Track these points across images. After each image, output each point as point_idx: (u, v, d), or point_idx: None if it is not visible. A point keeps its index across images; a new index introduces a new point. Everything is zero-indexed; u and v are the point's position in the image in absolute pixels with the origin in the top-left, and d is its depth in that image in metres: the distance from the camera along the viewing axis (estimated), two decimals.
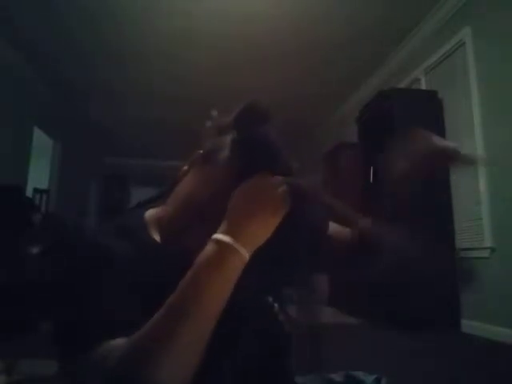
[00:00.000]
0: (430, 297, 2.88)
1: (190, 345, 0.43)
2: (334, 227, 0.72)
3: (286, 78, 4.53)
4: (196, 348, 0.43)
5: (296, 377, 0.70)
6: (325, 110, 5.49)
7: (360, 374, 0.74)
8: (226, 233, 0.47)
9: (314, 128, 5.92)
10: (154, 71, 4.50)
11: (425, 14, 3.40)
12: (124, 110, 5.67)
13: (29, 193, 4.52)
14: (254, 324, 0.60)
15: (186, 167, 0.63)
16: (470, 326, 2.80)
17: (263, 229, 0.49)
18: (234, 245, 0.46)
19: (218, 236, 0.47)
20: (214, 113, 5.01)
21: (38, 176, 5.09)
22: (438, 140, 0.62)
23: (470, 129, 2.95)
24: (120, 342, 0.43)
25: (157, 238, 0.60)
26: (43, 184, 5.14)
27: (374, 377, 0.73)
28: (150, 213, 0.65)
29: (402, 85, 3.84)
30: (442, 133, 3.24)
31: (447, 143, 0.62)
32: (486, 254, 2.72)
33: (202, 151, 0.61)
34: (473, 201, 2.91)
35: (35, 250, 2.86)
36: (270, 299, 0.65)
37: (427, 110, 3.26)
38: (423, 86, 3.58)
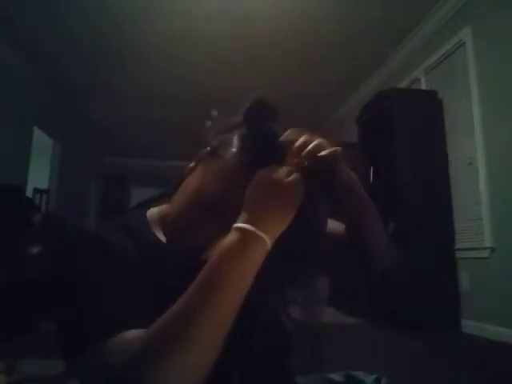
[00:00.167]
0: (430, 297, 2.89)
1: (210, 337, 0.42)
2: (330, 223, 0.71)
3: (285, 78, 4.53)
4: (215, 341, 0.42)
5: (296, 377, 0.70)
6: (325, 110, 5.49)
7: (360, 374, 0.74)
8: (246, 222, 0.47)
9: (314, 128, 5.90)
10: (154, 71, 4.50)
11: (425, 14, 3.40)
12: (124, 110, 5.67)
13: (29, 193, 4.51)
14: (259, 323, 0.60)
15: (192, 164, 0.62)
16: (470, 325, 2.80)
17: (283, 216, 0.50)
18: (257, 232, 0.47)
19: (240, 224, 0.47)
20: (214, 113, 5.02)
21: (38, 176, 5.09)
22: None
23: (469, 129, 2.95)
24: (135, 333, 0.42)
25: (160, 237, 0.60)
26: (43, 184, 5.14)
27: (374, 377, 0.73)
28: (151, 212, 0.65)
29: (402, 85, 3.84)
30: (442, 133, 3.24)
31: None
32: (486, 253, 2.72)
33: (208, 148, 0.61)
34: (473, 201, 2.91)
35: (35, 249, 2.86)
36: (273, 299, 0.65)
37: (427, 110, 3.26)
38: (423, 86, 3.58)
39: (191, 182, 0.59)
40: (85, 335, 0.44)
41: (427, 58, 3.52)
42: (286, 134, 0.57)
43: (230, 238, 0.47)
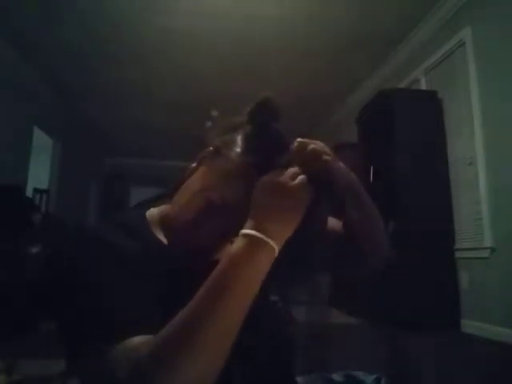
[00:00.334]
0: (430, 297, 2.89)
1: (217, 344, 0.42)
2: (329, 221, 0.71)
3: (285, 79, 4.53)
4: (222, 348, 0.42)
5: (296, 377, 0.70)
6: (324, 110, 5.49)
7: (360, 374, 0.74)
8: (254, 228, 0.47)
9: (314, 128, 5.92)
10: (152, 73, 4.50)
11: (425, 14, 3.40)
12: (123, 112, 5.66)
13: (29, 193, 4.52)
14: (263, 324, 0.60)
15: (194, 164, 0.62)
16: (470, 325, 2.80)
17: (290, 221, 0.49)
18: (265, 238, 0.46)
19: (248, 231, 0.47)
20: (214, 113, 5.01)
21: (38, 176, 5.09)
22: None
23: (469, 129, 2.95)
24: (140, 340, 0.42)
25: (160, 237, 0.60)
26: (43, 184, 5.14)
27: (374, 377, 0.73)
28: (151, 212, 0.64)
29: (402, 85, 3.84)
30: (442, 133, 3.24)
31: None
32: (486, 254, 2.72)
33: (211, 148, 0.60)
34: (473, 201, 2.91)
35: (35, 249, 2.86)
36: (275, 299, 0.65)
37: (427, 109, 3.26)
38: (423, 86, 3.58)
39: (193, 183, 0.59)
40: (85, 336, 0.44)
41: (427, 58, 3.52)
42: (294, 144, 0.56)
43: (238, 244, 0.46)
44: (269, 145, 0.56)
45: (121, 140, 6.95)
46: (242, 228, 0.49)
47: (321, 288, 4.25)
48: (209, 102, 4.89)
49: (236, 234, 0.49)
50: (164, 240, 0.60)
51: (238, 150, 0.56)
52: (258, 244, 0.46)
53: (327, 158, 0.54)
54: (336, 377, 0.74)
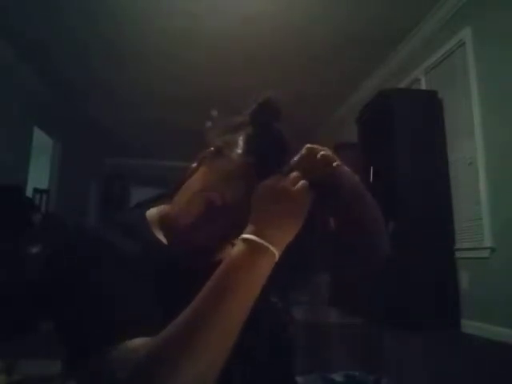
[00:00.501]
0: (430, 297, 2.89)
1: (217, 346, 0.42)
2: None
3: (285, 78, 4.53)
4: (221, 353, 0.42)
5: (296, 377, 0.70)
6: (325, 110, 5.49)
7: (360, 374, 0.74)
8: (254, 233, 0.47)
9: (314, 128, 5.92)
10: (154, 71, 4.50)
11: (425, 14, 3.40)
12: (124, 110, 5.67)
13: (29, 193, 4.52)
14: (263, 325, 0.60)
15: (194, 164, 0.62)
16: (470, 325, 2.80)
17: (291, 226, 0.49)
18: (265, 244, 0.46)
19: (248, 236, 0.47)
20: (214, 113, 5.01)
21: (38, 176, 5.09)
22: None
23: (469, 129, 2.95)
24: (139, 342, 0.42)
25: (160, 237, 0.60)
26: (43, 184, 5.14)
27: (374, 377, 0.73)
28: (151, 212, 0.64)
29: (402, 85, 3.84)
30: (442, 133, 3.24)
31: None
32: (486, 253, 2.72)
33: (212, 148, 0.60)
34: (473, 201, 2.91)
35: (35, 249, 2.86)
36: (275, 300, 0.65)
37: (427, 109, 3.26)
38: (423, 86, 3.58)
39: (194, 183, 0.58)
40: (85, 336, 0.44)
41: (427, 58, 3.52)
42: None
43: (238, 249, 0.46)
44: (270, 146, 0.55)
45: (121, 139, 6.95)
46: (242, 229, 0.49)
47: (321, 288, 4.25)
48: (209, 97, 4.90)
49: (236, 235, 0.49)
50: (164, 240, 0.59)
51: (240, 150, 0.56)
52: (258, 249, 0.46)
53: (337, 164, 0.54)
54: (336, 377, 0.74)
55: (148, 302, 0.48)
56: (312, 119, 5.71)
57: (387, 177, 3.16)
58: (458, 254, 3.03)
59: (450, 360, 2.14)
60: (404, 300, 2.86)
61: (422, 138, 3.18)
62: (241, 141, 0.57)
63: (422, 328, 2.72)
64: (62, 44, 3.95)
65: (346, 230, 0.68)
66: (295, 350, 0.67)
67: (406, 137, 3.14)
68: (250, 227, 0.48)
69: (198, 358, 0.40)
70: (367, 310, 3.29)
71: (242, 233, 0.49)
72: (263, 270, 0.46)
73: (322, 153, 0.54)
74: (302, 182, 0.50)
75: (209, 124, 0.68)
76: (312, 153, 0.54)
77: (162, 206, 0.65)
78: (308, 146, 0.54)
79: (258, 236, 0.46)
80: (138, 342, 0.42)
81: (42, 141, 5.06)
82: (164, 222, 0.61)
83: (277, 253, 0.47)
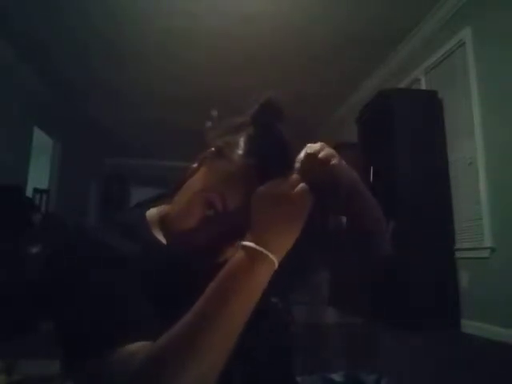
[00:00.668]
0: (430, 297, 2.89)
1: (217, 351, 0.42)
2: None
3: (285, 78, 4.53)
4: (222, 354, 0.42)
5: (296, 377, 0.70)
6: (325, 109, 5.49)
7: (360, 374, 0.74)
8: (254, 241, 0.47)
9: (314, 128, 5.92)
10: (154, 71, 4.50)
11: (425, 14, 3.40)
12: (124, 110, 5.67)
13: (29, 193, 4.52)
14: (263, 325, 0.60)
15: (195, 165, 0.61)
16: (470, 325, 2.80)
17: (290, 232, 0.49)
18: (265, 252, 0.46)
19: (248, 243, 0.47)
20: (214, 113, 5.01)
21: (38, 176, 5.09)
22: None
23: (469, 129, 2.95)
24: (139, 345, 0.42)
25: (160, 238, 0.59)
26: (43, 184, 5.14)
27: (374, 377, 0.73)
28: (151, 212, 0.64)
29: (402, 85, 3.84)
30: (442, 133, 3.24)
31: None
32: (486, 254, 2.72)
33: (213, 149, 0.60)
34: (473, 201, 2.91)
35: (35, 249, 2.86)
36: (276, 300, 0.65)
37: (427, 109, 3.26)
38: (423, 86, 3.58)
39: (194, 183, 0.58)
40: (84, 336, 0.44)
41: (427, 58, 3.52)
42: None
43: (237, 257, 0.47)
44: (272, 147, 0.55)
45: (121, 139, 6.95)
46: (242, 230, 0.49)
47: (320, 288, 4.25)
48: (209, 97, 4.90)
49: (237, 236, 0.49)
50: (163, 240, 0.59)
51: (241, 151, 0.55)
52: (257, 257, 0.46)
53: (335, 162, 0.54)
54: (336, 377, 0.74)
55: (147, 301, 0.48)
56: (312, 119, 5.71)
57: (387, 177, 3.16)
58: (458, 254, 3.03)
59: (450, 360, 2.14)
60: (404, 300, 2.86)
61: (422, 138, 3.18)
62: (242, 141, 0.56)
63: (422, 328, 2.72)
64: (62, 44, 3.95)
65: (345, 226, 0.67)
66: (295, 349, 0.67)
67: (406, 137, 3.14)
68: (249, 234, 0.48)
69: (201, 358, 0.41)
70: (367, 310, 3.29)
71: (242, 234, 0.49)
72: (263, 277, 0.46)
73: (322, 155, 0.53)
74: (301, 185, 0.50)
75: (209, 124, 0.68)
76: (311, 154, 0.53)
77: (162, 206, 0.65)
78: (308, 151, 0.54)
79: (257, 243, 0.46)
80: (137, 345, 0.42)
81: (42, 141, 5.06)
82: (164, 222, 0.61)
83: (276, 260, 0.47)
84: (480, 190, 2.81)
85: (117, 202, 7.54)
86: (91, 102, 5.42)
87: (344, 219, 0.68)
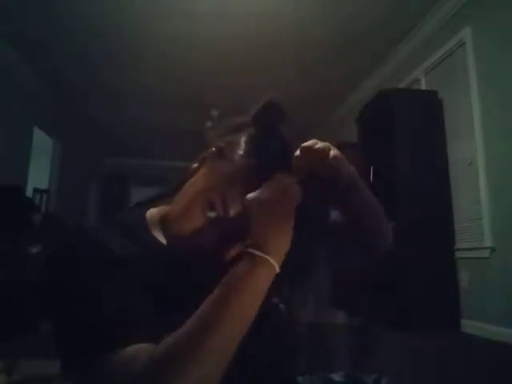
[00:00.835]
0: (430, 297, 2.89)
1: (219, 356, 0.43)
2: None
3: (285, 78, 4.53)
4: (224, 358, 0.43)
5: (297, 377, 0.70)
6: (325, 110, 5.49)
7: (360, 374, 0.74)
8: (255, 247, 0.48)
9: (314, 128, 5.92)
10: (154, 71, 4.50)
11: (425, 14, 3.40)
12: (124, 110, 5.67)
13: (29, 193, 4.51)
14: (263, 328, 0.60)
15: (196, 165, 0.61)
16: (470, 325, 2.80)
17: (284, 233, 0.50)
18: (266, 257, 0.47)
19: (249, 249, 0.48)
20: (214, 113, 5.01)
21: (38, 176, 5.09)
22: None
23: (469, 129, 2.95)
24: (140, 347, 0.43)
25: (160, 238, 0.59)
26: (43, 184, 5.14)
27: (374, 377, 0.73)
28: (150, 212, 0.64)
29: (402, 85, 3.84)
30: (442, 133, 3.24)
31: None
32: (486, 253, 2.72)
33: (214, 149, 0.59)
34: (473, 201, 2.90)
35: (35, 249, 2.86)
36: (277, 301, 0.65)
37: (427, 109, 3.26)
38: (423, 86, 3.58)
39: (194, 183, 0.58)
40: (84, 337, 0.44)
41: (427, 58, 3.51)
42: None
43: (240, 263, 0.47)
44: (272, 148, 0.55)
45: (121, 139, 6.95)
46: (242, 231, 0.49)
47: (321, 288, 4.25)
48: (209, 97, 4.89)
49: (237, 237, 0.49)
50: (163, 240, 0.59)
51: (242, 151, 0.55)
52: (258, 262, 0.47)
53: (333, 153, 0.55)
54: (336, 377, 0.74)
55: (147, 302, 0.48)
56: (312, 119, 5.71)
57: (387, 177, 3.16)
58: (458, 254, 3.03)
59: (450, 360, 2.14)
60: (404, 300, 2.86)
61: (422, 137, 3.18)
62: (243, 142, 0.56)
63: (422, 328, 2.72)
64: (62, 44, 3.95)
65: (345, 221, 0.67)
66: (296, 350, 0.67)
67: (406, 137, 3.14)
68: (250, 240, 0.49)
69: (203, 362, 0.41)
70: (367, 310, 3.29)
71: (242, 235, 0.49)
72: (264, 282, 0.47)
73: (317, 147, 0.54)
74: (288, 181, 0.51)
75: (209, 124, 0.68)
76: (307, 148, 0.54)
77: (162, 207, 0.65)
78: (303, 145, 0.54)
79: (257, 248, 0.47)
80: (138, 347, 0.43)
81: (41, 141, 5.06)
82: (164, 222, 0.60)
83: (277, 264, 0.47)
84: (480, 190, 2.81)
85: (117, 202, 7.54)
86: (91, 102, 5.42)
87: (344, 216, 0.68)
